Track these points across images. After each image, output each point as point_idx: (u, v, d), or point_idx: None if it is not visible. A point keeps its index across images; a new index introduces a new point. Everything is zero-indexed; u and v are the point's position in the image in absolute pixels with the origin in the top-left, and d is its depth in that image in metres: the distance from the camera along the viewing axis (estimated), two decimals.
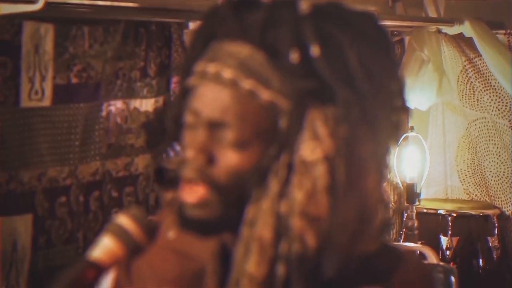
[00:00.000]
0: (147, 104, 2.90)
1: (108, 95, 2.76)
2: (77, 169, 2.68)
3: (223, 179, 1.12)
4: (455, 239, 3.86)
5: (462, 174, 4.15)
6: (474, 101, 4.04)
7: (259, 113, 1.12)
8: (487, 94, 3.99)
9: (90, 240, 2.68)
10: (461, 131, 4.11)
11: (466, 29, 3.86)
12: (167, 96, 2.95)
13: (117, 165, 2.82)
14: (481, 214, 3.93)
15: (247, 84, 1.12)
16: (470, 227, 3.90)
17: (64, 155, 2.64)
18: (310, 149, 1.09)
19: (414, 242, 3.69)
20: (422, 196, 3.89)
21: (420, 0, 4.06)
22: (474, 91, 4.02)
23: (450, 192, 4.20)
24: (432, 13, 4.03)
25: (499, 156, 4.01)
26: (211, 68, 1.14)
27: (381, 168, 1.14)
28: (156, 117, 1.23)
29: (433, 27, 3.92)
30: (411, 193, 3.79)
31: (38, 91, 2.54)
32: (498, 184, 4.03)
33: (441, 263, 3.57)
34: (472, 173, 4.12)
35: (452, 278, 3.37)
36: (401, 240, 3.77)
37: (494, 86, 3.97)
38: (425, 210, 3.91)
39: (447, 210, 3.91)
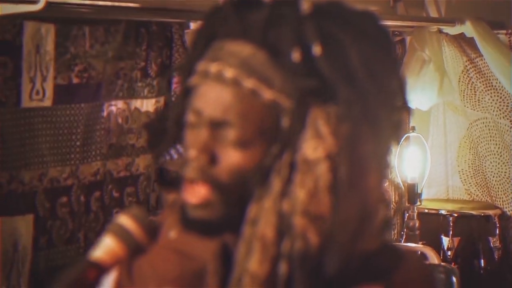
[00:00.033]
0: (148, 104, 2.90)
1: (109, 95, 2.76)
2: (78, 169, 2.67)
3: (225, 179, 1.12)
4: (456, 240, 3.85)
5: (463, 174, 4.15)
6: (475, 101, 4.04)
7: (261, 112, 1.12)
8: (488, 94, 3.99)
9: (91, 240, 2.68)
10: (462, 131, 4.11)
11: (467, 29, 3.86)
12: (168, 96, 2.95)
13: (118, 165, 2.82)
14: (482, 215, 3.93)
15: (249, 83, 1.12)
16: (472, 227, 3.89)
17: (65, 155, 2.63)
18: (312, 148, 1.09)
19: (415, 243, 3.69)
20: (423, 196, 3.89)
21: (421, 0, 4.06)
22: (475, 91, 4.02)
23: (451, 192, 4.19)
24: (433, 13, 4.02)
25: (501, 156, 4.01)
26: (213, 67, 1.14)
27: (382, 167, 1.15)
28: (157, 118, 1.22)
29: (434, 27, 3.92)
30: (412, 193, 3.79)
31: (39, 91, 2.54)
32: (500, 184, 4.03)
33: (443, 264, 3.56)
34: (474, 173, 4.12)
35: (454, 279, 3.37)
36: (402, 241, 3.77)
37: (495, 86, 3.97)
38: (426, 210, 3.91)
39: (448, 211, 3.91)
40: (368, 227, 1.12)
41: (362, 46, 1.11)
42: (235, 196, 1.13)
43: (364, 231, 1.12)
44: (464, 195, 4.16)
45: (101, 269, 1.16)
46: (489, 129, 4.03)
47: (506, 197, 4.01)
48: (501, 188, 4.02)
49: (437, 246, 3.76)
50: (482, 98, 4.01)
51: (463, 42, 3.98)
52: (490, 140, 4.03)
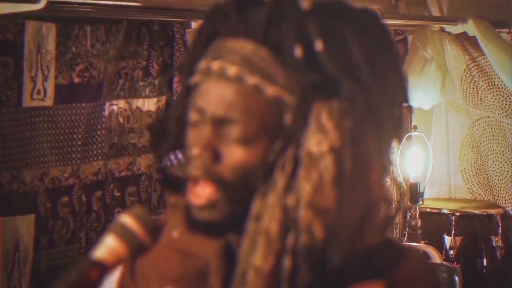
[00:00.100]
0: (149, 104, 2.90)
1: (110, 95, 2.76)
2: (79, 169, 2.67)
3: (229, 176, 1.12)
4: (458, 239, 3.85)
5: (465, 173, 4.14)
6: (477, 100, 4.03)
7: (264, 109, 1.12)
8: (490, 93, 3.98)
9: (92, 240, 2.68)
10: (464, 130, 4.10)
11: (470, 28, 3.85)
12: (169, 96, 2.94)
13: (120, 164, 2.82)
14: (484, 214, 3.92)
15: (251, 80, 1.12)
16: (474, 226, 3.89)
17: (66, 154, 2.63)
18: (316, 142, 1.09)
19: (418, 242, 3.69)
20: (426, 196, 3.88)
21: None
22: (477, 90, 4.02)
23: (453, 191, 4.19)
24: (435, 12, 4.02)
25: (503, 155, 4.00)
26: (215, 65, 1.14)
27: (385, 162, 1.15)
28: (160, 118, 1.22)
29: (436, 26, 3.91)
30: (414, 193, 3.78)
31: (40, 90, 2.53)
32: (502, 183, 4.02)
33: (445, 263, 3.57)
34: (476, 172, 4.11)
35: (456, 278, 3.37)
36: (405, 240, 3.76)
37: (497, 85, 3.96)
38: (428, 210, 3.91)
39: (450, 210, 3.91)
40: (371, 220, 1.13)
41: (363, 42, 1.12)
42: (240, 194, 1.13)
43: (367, 224, 1.13)
44: (467, 194, 4.15)
45: (103, 269, 1.16)
46: (491, 128, 4.02)
47: (508, 196, 4.01)
48: (504, 187, 4.02)
49: (440, 246, 3.76)
50: (484, 97, 4.00)
51: (465, 41, 3.97)
52: (493, 139, 4.02)
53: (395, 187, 3.96)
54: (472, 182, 4.14)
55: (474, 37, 3.88)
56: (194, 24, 2.92)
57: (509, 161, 3.99)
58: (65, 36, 2.58)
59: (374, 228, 1.14)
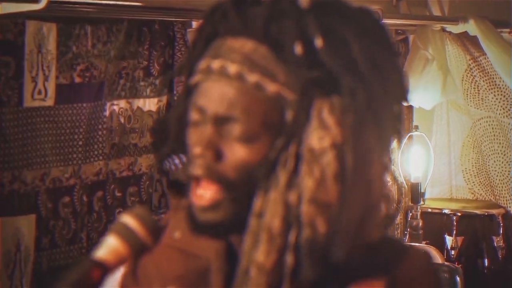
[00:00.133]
0: (150, 104, 2.89)
1: (111, 95, 2.75)
2: (80, 169, 2.67)
3: (232, 175, 1.12)
4: (460, 239, 3.85)
5: (466, 173, 4.14)
6: (479, 100, 4.03)
7: (266, 106, 1.12)
8: (492, 93, 3.98)
9: (94, 240, 2.68)
10: (465, 130, 4.10)
11: (471, 27, 3.85)
12: (170, 96, 2.94)
13: (121, 165, 2.82)
14: (486, 214, 3.92)
15: (252, 77, 1.12)
16: (475, 226, 3.89)
17: (67, 155, 2.63)
18: (318, 138, 1.10)
19: (419, 242, 3.69)
20: (427, 196, 3.88)
21: None
22: (479, 90, 4.01)
23: (454, 191, 4.19)
24: (436, 12, 4.01)
25: (504, 155, 4.00)
26: (215, 64, 1.14)
27: (385, 158, 1.15)
28: (162, 120, 1.22)
29: (437, 26, 3.91)
30: (415, 193, 3.78)
31: (41, 90, 2.53)
32: (503, 183, 4.02)
33: (446, 263, 3.57)
34: (477, 172, 4.11)
35: (457, 278, 3.36)
36: (406, 240, 3.76)
37: (499, 85, 3.96)
38: (429, 210, 3.91)
39: (452, 210, 3.90)
40: (373, 216, 1.13)
41: (362, 39, 1.13)
42: (243, 193, 1.13)
43: (370, 220, 1.13)
44: (468, 194, 4.15)
45: (105, 269, 1.16)
46: (492, 128, 4.02)
47: (509, 196, 4.00)
48: (505, 187, 4.01)
49: (441, 246, 3.76)
50: (485, 97, 4.00)
51: (467, 41, 3.97)
52: (494, 139, 4.02)
53: (395, 187, 3.96)
54: (473, 182, 4.13)
55: (475, 37, 3.88)
56: (195, 24, 2.92)
57: (510, 161, 3.98)
58: (66, 36, 2.58)
59: (376, 224, 1.14)
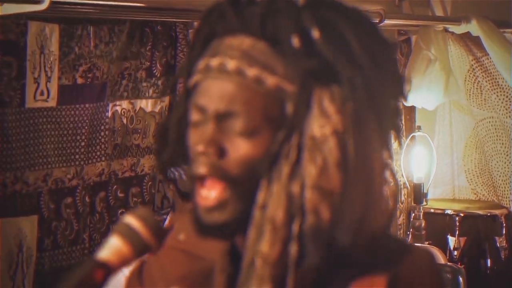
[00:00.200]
0: (153, 105, 2.89)
1: (113, 96, 2.75)
2: (83, 170, 2.67)
3: (236, 171, 1.13)
4: (462, 239, 3.84)
5: (469, 174, 4.13)
6: (481, 101, 4.02)
7: (266, 100, 1.13)
8: (494, 93, 3.97)
9: (96, 241, 2.68)
10: (468, 130, 4.09)
11: (473, 28, 3.84)
12: (173, 97, 2.94)
13: (123, 165, 2.82)
14: (488, 214, 3.91)
15: (251, 71, 1.13)
16: (478, 227, 3.88)
17: (69, 155, 2.63)
18: (319, 126, 1.11)
19: (422, 242, 3.68)
20: (430, 196, 3.87)
21: None
22: (481, 90, 4.01)
23: (457, 192, 4.18)
24: (438, 12, 4.01)
25: (507, 155, 3.99)
26: (214, 62, 1.15)
27: (386, 147, 1.16)
28: (163, 124, 1.23)
29: (440, 26, 3.90)
30: (418, 193, 3.78)
31: (43, 91, 2.53)
32: (506, 184, 4.01)
33: (449, 264, 3.56)
34: (480, 173, 4.10)
35: (460, 279, 3.36)
36: (408, 240, 3.75)
37: (501, 85, 3.95)
38: (432, 210, 3.90)
39: (454, 210, 3.90)
40: (375, 203, 1.14)
41: (358, 32, 1.14)
42: (247, 190, 1.13)
43: (372, 207, 1.14)
44: (470, 195, 4.15)
45: (108, 270, 1.16)
46: (495, 128, 4.01)
47: None
48: (508, 187, 4.01)
49: (443, 246, 3.75)
50: (488, 97, 4.00)
51: (469, 41, 3.96)
52: (497, 139, 4.01)
53: (399, 188, 3.96)
54: (476, 182, 4.13)
55: (477, 37, 3.87)
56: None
57: None
58: (68, 37, 2.58)
59: (380, 211, 1.15)
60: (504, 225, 3.89)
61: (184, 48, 2.94)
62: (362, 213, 1.12)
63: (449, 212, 3.90)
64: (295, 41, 1.12)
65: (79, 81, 2.63)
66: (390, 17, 3.45)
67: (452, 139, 4.14)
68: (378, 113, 1.15)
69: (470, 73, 4.00)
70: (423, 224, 3.76)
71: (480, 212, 3.92)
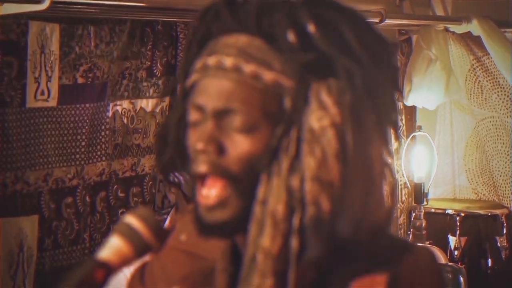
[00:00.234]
0: (153, 104, 2.89)
1: (114, 95, 2.75)
2: (83, 170, 2.67)
3: (236, 168, 1.13)
4: (463, 239, 3.84)
5: (470, 173, 4.13)
6: (482, 100, 4.02)
7: (264, 95, 1.14)
8: (495, 93, 3.97)
9: (96, 241, 2.68)
10: (469, 130, 4.09)
11: (474, 27, 3.84)
12: (173, 96, 2.94)
13: (124, 165, 2.82)
14: (489, 214, 3.91)
15: (249, 68, 1.14)
16: (479, 227, 3.88)
17: (70, 155, 2.63)
18: (317, 118, 1.12)
19: (422, 242, 3.68)
20: (430, 196, 3.87)
21: None
22: (482, 90, 4.00)
23: (458, 191, 4.18)
24: (439, 12, 4.01)
25: (508, 155, 3.99)
26: (211, 60, 1.16)
27: (383, 140, 1.16)
28: (162, 126, 1.24)
29: (440, 26, 3.90)
30: (419, 193, 3.78)
31: (44, 91, 2.53)
32: (507, 183, 4.01)
33: (450, 263, 3.56)
34: (480, 172, 4.10)
35: (461, 278, 3.36)
36: (409, 240, 3.75)
37: (502, 85, 3.95)
38: (433, 210, 3.90)
39: (455, 210, 3.90)
40: (375, 194, 1.14)
41: (353, 27, 1.15)
42: (248, 187, 1.13)
43: (372, 198, 1.14)
44: (471, 195, 4.14)
45: (108, 269, 1.16)
46: (496, 128, 4.01)
47: None
48: (508, 187, 4.00)
49: (444, 246, 3.75)
50: (489, 97, 3.99)
51: (470, 41, 3.96)
52: (497, 139, 4.01)
53: (400, 188, 3.97)
54: (476, 182, 4.12)
55: (478, 36, 3.87)
56: None
57: None
58: (68, 37, 2.58)
59: (379, 201, 1.15)
60: (505, 224, 3.89)
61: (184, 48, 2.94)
62: (362, 205, 1.12)
63: (449, 211, 3.89)
64: (291, 36, 1.13)
65: (80, 81, 2.63)
66: (391, 16, 3.45)
67: (453, 138, 4.14)
68: (375, 105, 1.15)
69: (471, 73, 4.00)
70: (423, 224, 3.75)
71: (481, 212, 3.92)
